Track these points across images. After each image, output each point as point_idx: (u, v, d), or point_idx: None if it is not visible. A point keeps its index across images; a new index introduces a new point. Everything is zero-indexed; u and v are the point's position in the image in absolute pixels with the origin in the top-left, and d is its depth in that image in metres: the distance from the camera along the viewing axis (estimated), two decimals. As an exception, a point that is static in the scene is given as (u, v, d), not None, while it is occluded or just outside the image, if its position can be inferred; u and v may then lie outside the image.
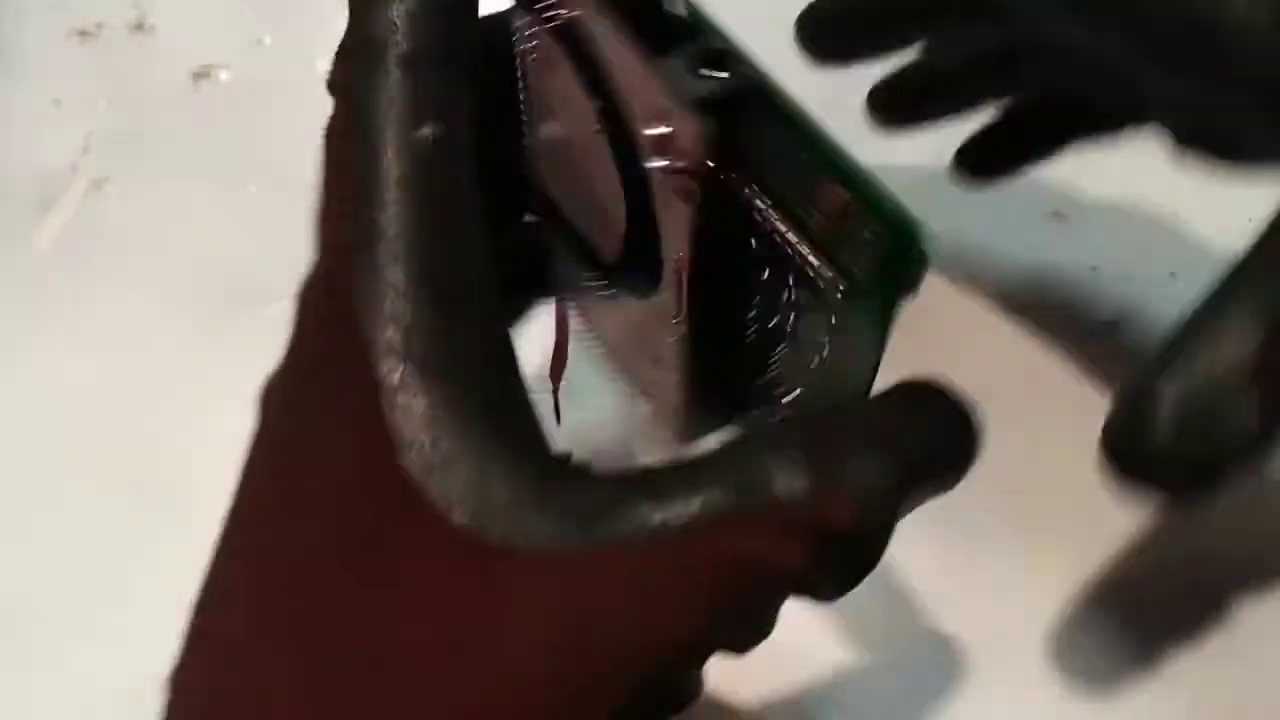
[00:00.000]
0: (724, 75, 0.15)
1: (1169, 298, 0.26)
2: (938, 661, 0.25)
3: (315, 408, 0.14)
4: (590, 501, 0.13)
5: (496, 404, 0.14)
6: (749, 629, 0.14)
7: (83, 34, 0.33)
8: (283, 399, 0.15)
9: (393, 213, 0.14)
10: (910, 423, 0.14)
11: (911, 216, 0.13)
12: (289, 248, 0.30)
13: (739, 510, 0.13)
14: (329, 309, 0.15)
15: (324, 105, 0.34)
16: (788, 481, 0.13)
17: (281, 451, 0.15)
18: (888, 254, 0.14)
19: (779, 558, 0.13)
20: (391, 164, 0.14)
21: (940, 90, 0.23)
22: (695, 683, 0.15)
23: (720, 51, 0.15)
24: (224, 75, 0.32)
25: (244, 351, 0.30)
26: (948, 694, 0.24)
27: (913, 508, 0.14)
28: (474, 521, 0.13)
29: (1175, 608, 0.25)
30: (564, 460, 0.14)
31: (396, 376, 0.13)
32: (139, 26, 0.33)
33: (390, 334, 0.13)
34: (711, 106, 0.14)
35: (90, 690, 0.25)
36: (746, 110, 0.15)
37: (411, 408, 0.13)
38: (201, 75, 0.32)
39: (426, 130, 0.14)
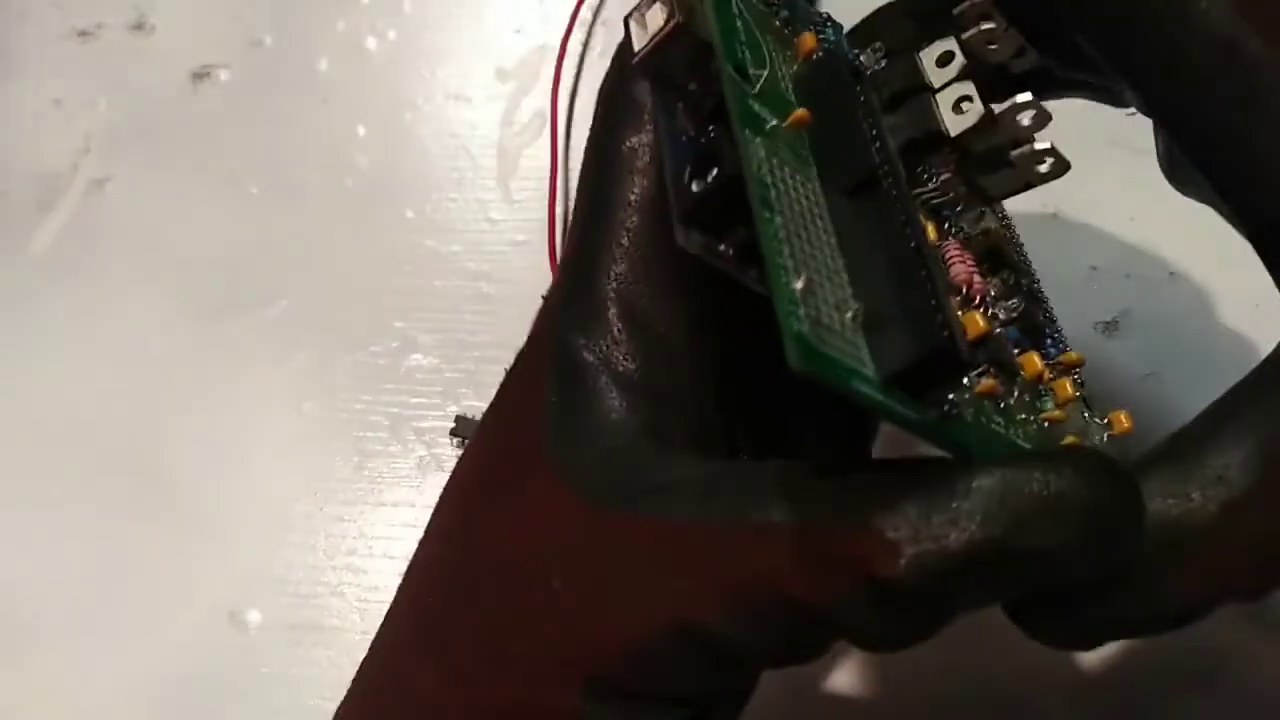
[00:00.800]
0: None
1: (1169, 298, 0.26)
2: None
3: (503, 392, 0.17)
4: (651, 479, 0.14)
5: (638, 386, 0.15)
6: (785, 647, 0.14)
7: (83, 34, 0.33)
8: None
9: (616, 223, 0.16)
10: (1019, 486, 0.12)
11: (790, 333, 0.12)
12: (289, 248, 0.30)
13: (763, 529, 0.13)
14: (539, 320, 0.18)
15: (323, 106, 0.34)
16: (822, 514, 0.13)
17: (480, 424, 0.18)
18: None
19: (801, 590, 0.12)
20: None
21: None
22: (729, 686, 0.15)
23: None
24: (224, 75, 0.32)
25: (243, 351, 0.30)
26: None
27: (1004, 587, 0.13)
28: (561, 474, 0.15)
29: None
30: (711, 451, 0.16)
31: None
32: (139, 27, 0.33)
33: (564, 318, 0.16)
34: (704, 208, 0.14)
35: (89, 689, 0.25)
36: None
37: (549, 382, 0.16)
38: (201, 75, 0.32)
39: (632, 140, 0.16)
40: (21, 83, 0.32)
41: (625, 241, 0.16)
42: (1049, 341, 0.17)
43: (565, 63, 0.31)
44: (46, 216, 0.30)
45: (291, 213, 0.30)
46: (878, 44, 0.17)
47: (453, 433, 0.27)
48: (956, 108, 0.15)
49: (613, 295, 0.16)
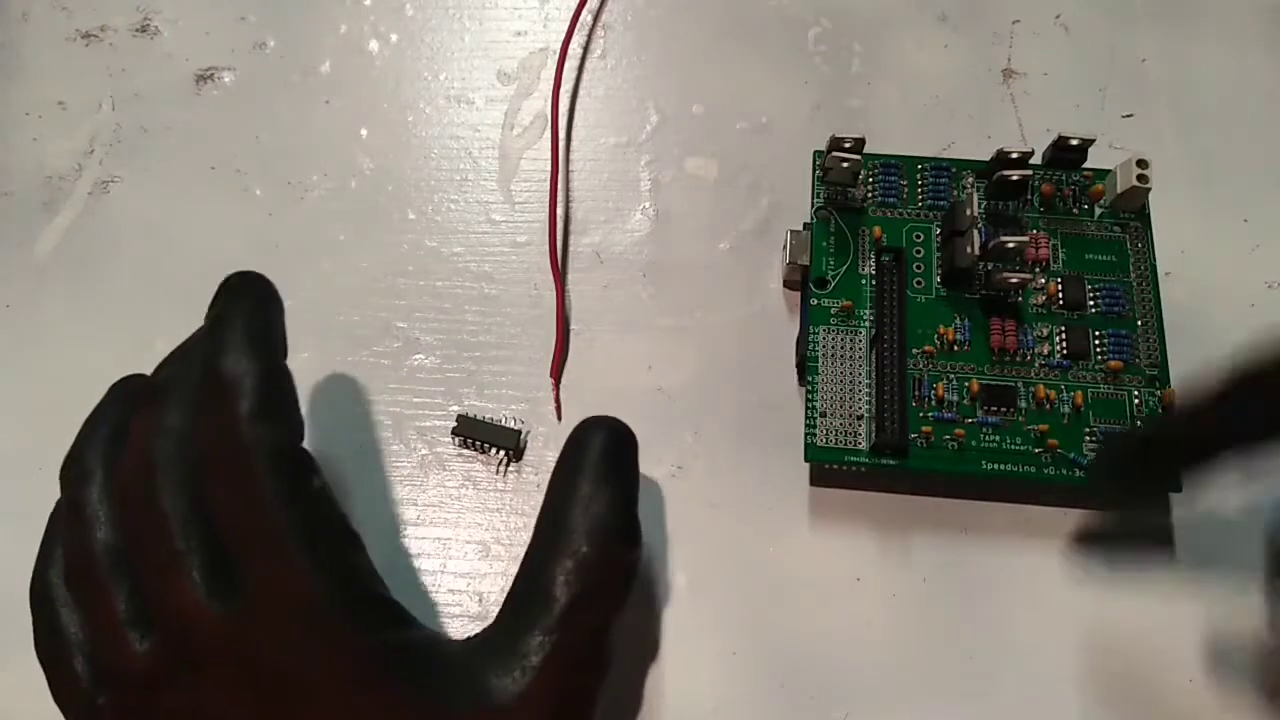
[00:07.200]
0: None
1: (1166, 298, 0.26)
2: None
3: None
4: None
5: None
6: None
7: (87, 36, 0.33)
8: None
9: None
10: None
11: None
12: (292, 249, 0.30)
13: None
14: None
15: (326, 108, 0.34)
16: None
17: None
18: None
19: None
20: None
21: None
22: None
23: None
24: (227, 78, 0.32)
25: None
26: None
27: None
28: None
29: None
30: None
31: None
32: (143, 29, 0.33)
33: None
34: None
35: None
36: None
37: None
38: (205, 77, 0.32)
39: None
40: (26, 84, 0.33)
41: None
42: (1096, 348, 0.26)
43: (566, 65, 0.31)
44: (51, 218, 0.30)
45: (294, 214, 0.30)
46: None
47: (454, 432, 0.27)
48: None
49: None
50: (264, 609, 0.19)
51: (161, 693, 0.19)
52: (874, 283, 0.27)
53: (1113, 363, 0.25)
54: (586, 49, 0.33)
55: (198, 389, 0.21)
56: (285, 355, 0.22)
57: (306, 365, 0.28)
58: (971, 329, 0.26)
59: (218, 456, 0.20)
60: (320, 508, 0.20)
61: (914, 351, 0.26)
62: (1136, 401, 0.25)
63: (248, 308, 0.22)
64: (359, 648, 0.19)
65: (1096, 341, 0.26)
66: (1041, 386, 0.25)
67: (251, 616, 0.19)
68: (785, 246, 0.28)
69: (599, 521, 0.21)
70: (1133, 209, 0.27)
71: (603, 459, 0.22)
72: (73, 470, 0.22)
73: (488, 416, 0.27)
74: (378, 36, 0.33)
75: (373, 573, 0.21)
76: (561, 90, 0.31)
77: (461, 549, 0.26)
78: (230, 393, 0.20)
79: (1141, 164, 0.26)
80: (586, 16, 0.33)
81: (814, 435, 0.25)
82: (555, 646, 0.20)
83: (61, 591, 0.21)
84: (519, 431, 0.27)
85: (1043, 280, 0.27)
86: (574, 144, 0.31)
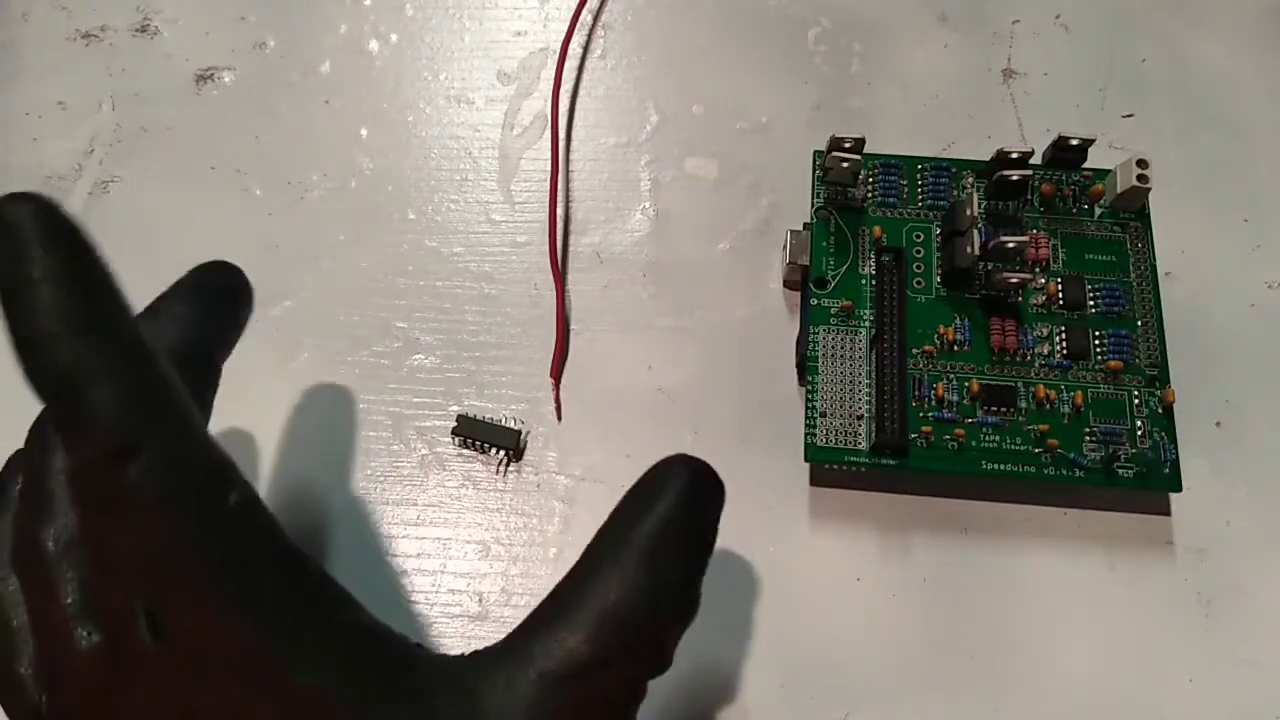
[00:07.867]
0: None
1: (1166, 298, 0.26)
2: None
3: None
4: None
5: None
6: None
7: (87, 36, 0.33)
8: None
9: None
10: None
11: None
12: (292, 249, 0.30)
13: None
14: None
15: (326, 108, 0.34)
16: None
17: None
18: None
19: None
20: None
21: None
22: None
23: None
24: (227, 78, 0.32)
25: (247, 351, 0.30)
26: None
27: None
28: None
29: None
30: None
31: None
32: (143, 29, 0.33)
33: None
34: None
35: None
36: None
37: None
38: (205, 77, 0.32)
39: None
40: (25, 84, 0.33)
41: None
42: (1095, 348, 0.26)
43: (566, 65, 0.31)
44: (51, 217, 0.30)
45: (294, 214, 0.30)
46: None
47: (454, 432, 0.27)
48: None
49: None
50: (189, 655, 0.16)
51: (105, 697, 0.17)
52: (874, 283, 0.27)
53: (1113, 363, 0.25)
54: (586, 49, 0.33)
55: (48, 415, 0.17)
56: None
57: (306, 365, 0.28)
58: (971, 329, 0.26)
59: (98, 506, 0.16)
60: (241, 532, 0.17)
61: (914, 351, 0.26)
62: (1136, 401, 0.25)
63: (67, 270, 0.17)
64: (300, 691, 0.16)
65: (1096, 341, 0.26)
66: (1041, 386, 0.25)
67: (178, 660, 0.16)
68: (785, 246, 0.28)
69: (663, 583, 0.18)
70: (1133, 209, 0.27)
71: (684, 511, 0.18)
72: (40, 433, 0.19)
73: (488, 416, 0.27)
74: (378, 36, 0.33)
75: (326, 593, 0.18)
76: (561, 90, 0.31)
77: (461, 549, 0.26)
78: (86, 425, 0.16)
79: (1141, 164, 0.26)
80: (586, 16, 0.33)
81: (814, 435, 0.25)
82: (577, 696, 0.17)
83: (8, 574, 0.18)
84: (519, 431, 0.27)
85: (1043, 280, 0.27)
86: (574, 144, 0.31)
